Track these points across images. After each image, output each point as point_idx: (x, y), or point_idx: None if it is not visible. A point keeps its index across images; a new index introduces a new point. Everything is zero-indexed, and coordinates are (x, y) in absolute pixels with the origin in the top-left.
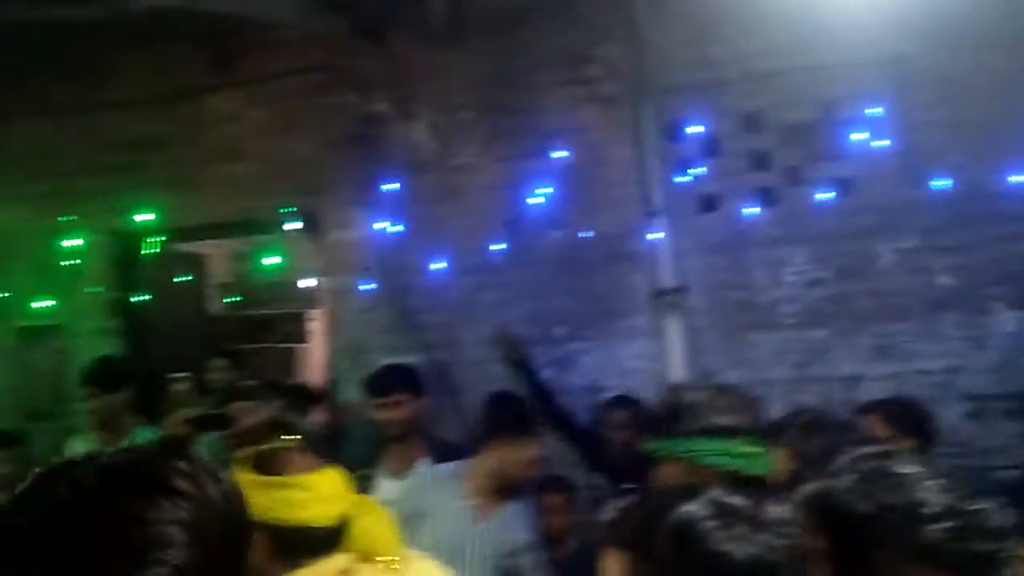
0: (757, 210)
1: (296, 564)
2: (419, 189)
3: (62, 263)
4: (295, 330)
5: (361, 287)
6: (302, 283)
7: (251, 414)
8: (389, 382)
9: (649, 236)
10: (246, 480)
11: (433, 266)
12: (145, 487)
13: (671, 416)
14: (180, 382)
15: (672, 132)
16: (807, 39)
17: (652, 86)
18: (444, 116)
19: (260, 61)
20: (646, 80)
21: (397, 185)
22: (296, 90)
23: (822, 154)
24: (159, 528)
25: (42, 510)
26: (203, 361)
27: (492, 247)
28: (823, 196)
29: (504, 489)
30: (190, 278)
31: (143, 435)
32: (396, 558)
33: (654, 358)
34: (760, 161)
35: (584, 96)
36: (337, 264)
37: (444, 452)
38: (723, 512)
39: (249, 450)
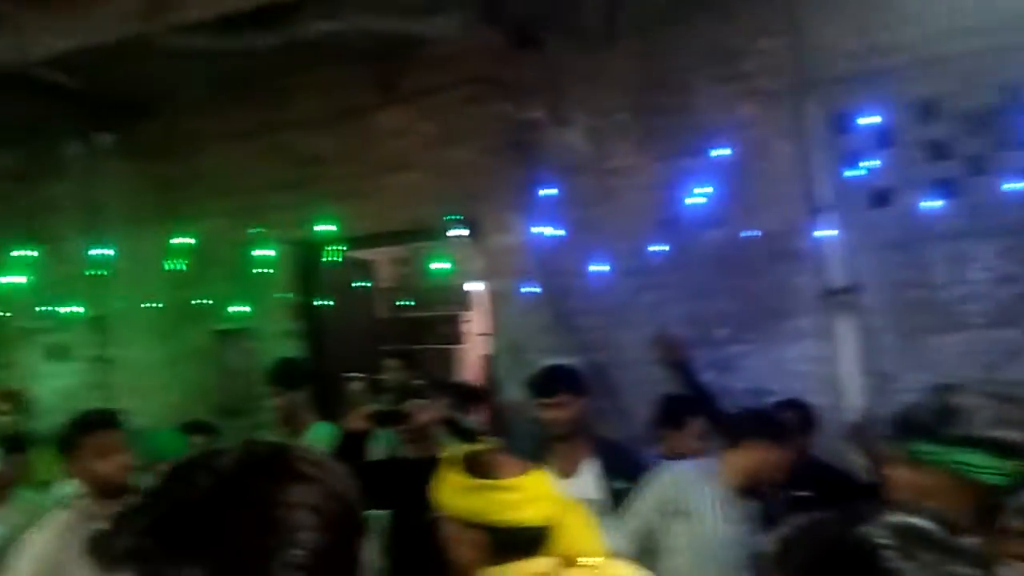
0: (939, 203)
1: (505, 563)
2: (577, 192)
3: (254, 271)
4: (451, 331)
5: (522, 289)
6: (466, 287)
7: (425, 411)
8: (553, 382)
9: (817, 233)
10: (459, 482)
11: (592, 268)
12: (278, 474)
13: (939, 419)
14: (355, 381)
15: (839, 124)
16: (983, 19)
17: (814, 78)
18: (599, 119)
19: (422, 77)
20: (808, 72)
21: (555, 190)
22: (456, 102)
23: (1010, 141)
24: (293, 511)
25: (186, 496)
26: (374, 361)
27: (651, 248)
28: (1013, 186)
29: (749, 489)
30: (368, 284)
31: (321, 430)
32: (598, 561)
33: (822, 361)
34: (938, 151)
35: (743, 92)
36: (498, 268)
37: (609, 452)
38: (907, 538)
39: (459, 453)
